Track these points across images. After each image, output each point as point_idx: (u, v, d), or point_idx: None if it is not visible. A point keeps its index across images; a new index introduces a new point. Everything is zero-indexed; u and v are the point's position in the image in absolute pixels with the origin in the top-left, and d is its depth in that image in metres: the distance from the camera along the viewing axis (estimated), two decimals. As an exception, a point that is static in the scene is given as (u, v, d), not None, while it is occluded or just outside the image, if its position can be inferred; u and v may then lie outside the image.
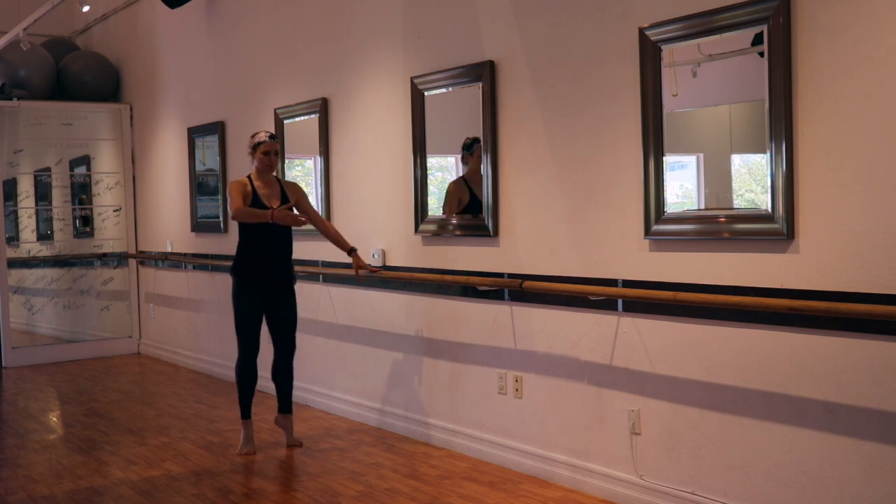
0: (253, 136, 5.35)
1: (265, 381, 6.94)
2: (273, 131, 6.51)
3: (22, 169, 9.19)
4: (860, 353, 3.29)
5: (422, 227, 5.39)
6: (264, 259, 5.24)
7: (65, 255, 9.31)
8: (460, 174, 5.22)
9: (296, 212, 5.32)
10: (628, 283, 4.14)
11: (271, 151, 5.28)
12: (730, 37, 3.64)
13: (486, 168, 4.88)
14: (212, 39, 7.79)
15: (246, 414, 5.37)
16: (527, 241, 4.71)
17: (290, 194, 5.36)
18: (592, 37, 4.28)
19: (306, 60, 6.47)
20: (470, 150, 5.04)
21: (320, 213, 6.26)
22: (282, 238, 5.25)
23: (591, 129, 4.30)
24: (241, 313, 5.28)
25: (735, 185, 3.79)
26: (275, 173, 5.44)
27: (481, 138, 4.91)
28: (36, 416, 6.61)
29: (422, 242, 5.43)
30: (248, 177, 5.31)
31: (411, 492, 4.53)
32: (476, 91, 4.92)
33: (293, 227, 5.26)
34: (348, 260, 5.41)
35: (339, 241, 5.41)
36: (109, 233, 9.40)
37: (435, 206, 5.35)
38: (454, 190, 5.22)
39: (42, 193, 9.34)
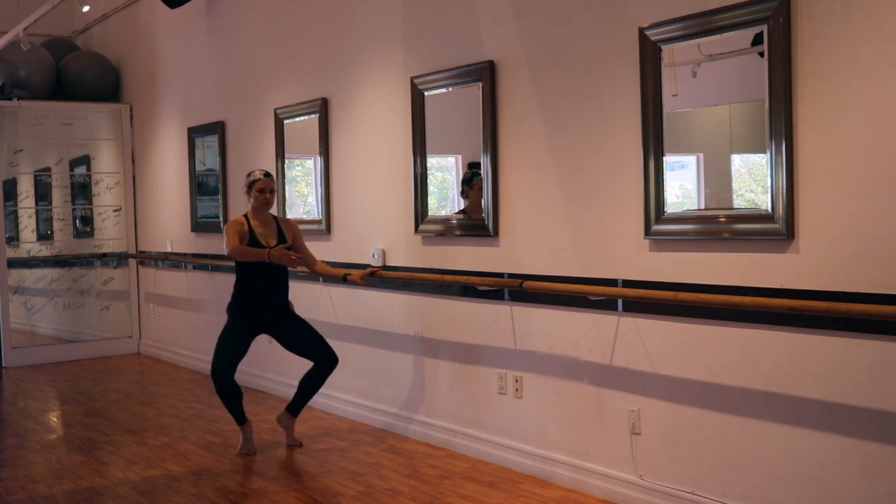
0: (248, 175, 5.34)
1: (264, 381, 6.92)
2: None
3: (22, 169, 9.19)
4: (860, 353, 3.29)
5: (422, 227, 5.39)
6: (264, 294, 5.25)
7: (65, 255, 9.31)
8: (460, 208, 5.20)
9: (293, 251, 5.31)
10: (628, 283, 4.14)
11: (266, 189, 5.28)
12: (730, 37, 3.65)
13: (486, 168, 4.88)
14: (212, 39, 7.79)
15: (241, 421, 5.36)
16: (527, 241, 4.71)
17: (287, 232, 5.36)
18: (592, 37, 4.28)
19: (306, 60, 6.47)
20: (469, 184, 5.04)
21: (320, 214, 6.28)
22: (278, 275, 5.27)
23: (592, 128, 4.30)
24: (224, 344, 5.24)
25: (735, 185, 3.79)
26: (272, 210, 5.43)
27: (481, 137, 4.90)
28: (36, 416, 6.61)
29: (422, 242, 5.43)
30: (245, 216, 5.31)
31: (411, 492, 4.53)
32: (476, 91, 4.92)
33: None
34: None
35: (330, 274, 5.46)
36: (109, 233, 9.40)
37: (435, 206, 5.35)
38: None
39: (42, 193, 9.34)
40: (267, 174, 5.32)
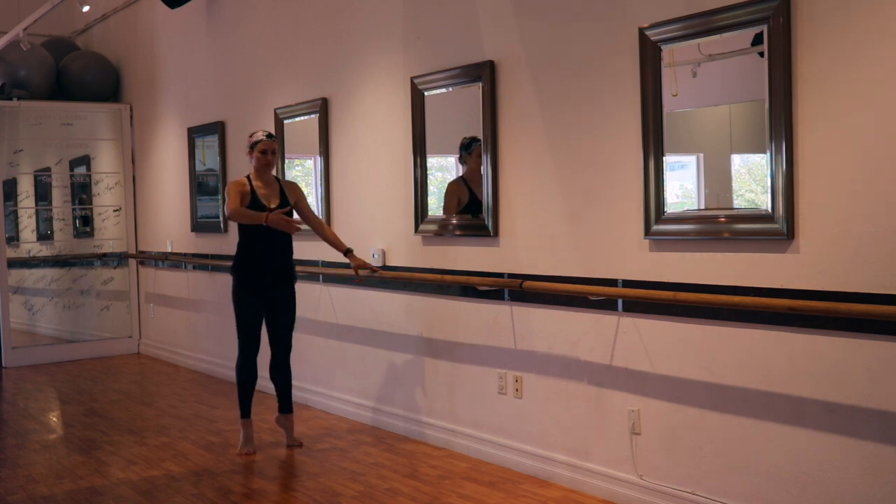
0: (251, 136, 5.35)
1: (264, 381, 6.94)
2: (272, 131, 6.50)
3: (22, 169, 9.19)
4: (860, 353, 3.29)
5: (422, 227, 5.39)
6: (263, 258, 5.24)
7: (65, 255, 9.31)
8: (460, 174, 5.23)
9: (295, 213, 5.33)
10: (628, 283, 4.14)
11: (268, 150, 5.28)
12: (730, 37, 3.65)
13: (486, 168, 4.88)
14: (212, 39, 7.79)
15: (246, 413, 5.37)
16: (527, 241, 4.71)
17: (289, 194, 5.36)
18: (592, 37, 4.28)
19: (306, 60, 6.47)
20: (468, 150, 5.04)
21: (320, 213, 6.27)
22: (281, 238, 5.25)
23: (592, 129, 4.30)
24: (242, 313, 5.28)
25: (735, 185, 3.79)
26: (274, 172, 5.44)
27: (481, 138, 4.91)
28: (36, 416, 6.61)
29: (422, 242, 5.43)
30: (248, 177, 5.31)
31: (411, 492, 4.53)
32: (476, 91, 4.92)
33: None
34: (348, 260, 5.41)
35: (335, 243, 5.42)
36: (109, 233, 9.40)
37: (435, 206, 5.35)
38: (453, 189, 5.22)
39: (42, 193, 9.34)
40: (269, 135, 5.32)
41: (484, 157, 4.89)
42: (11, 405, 7.05)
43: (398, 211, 5.60)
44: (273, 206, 5.22)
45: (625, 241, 4.15)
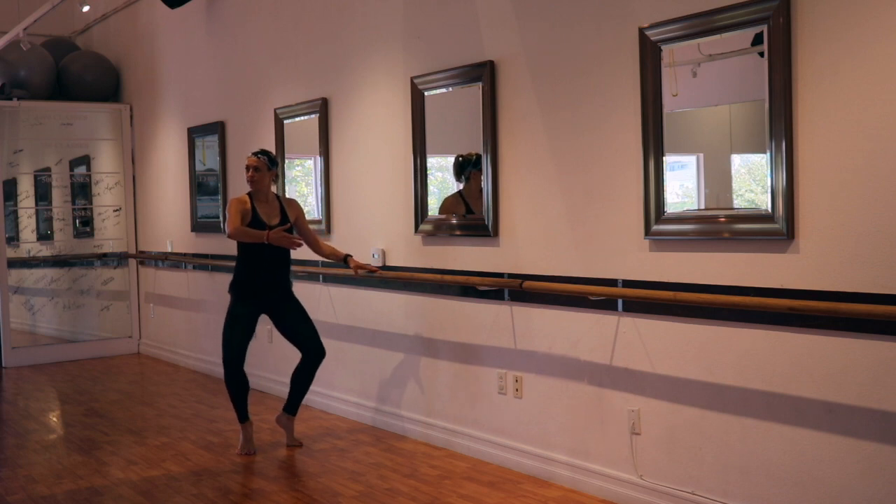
0: None
1: (264, 381, 6.93)
2: (272, 135, 6.50)
3: (22, 169, 9.19)
4: (860, 353, 3.29)
5: (422, 227, 5.39)
6: (263, 274, 5.26)
7: (65, 255, 9.31)
8: (458, 189, 5.21)
9: (294, 232, 5.34)
10: (628, 283, 4.14)
11: (250, 167, 5.28)
12: (730, 37, 3.65)
13: (486, 168, 4.88)
14: (212, 39, 7.79)
15: (243, 417, 5.37)
16: (527, 241, 4.71)
17: (289, 212, 5.36)
18: (592, 37, 4.28)
19: (306, 60, 6.47)
20: (464, 174, 5.06)
21: (320, 214, 6.28)
22: (280, 255, 5.27)
23: (592, 128, 4.30)
24: (231, 329, 5.27)
25: (735, 185, 3.79)
26: (274, 189, 5.44)
27: (481, 138, 4.90)
28: (36, 416, 6.61)
29: (422, 242, 5.43)
30: (249, 194, 5.31)
31: (411, 492, 4.53)
32: (476, 91, 4.92)
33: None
34: (348, 263, 5.41)
35: (333, 255, 5.46)
36: (109, 233, 9.40)
37: (434, 206, 5.35)
38: (450, 205, 5.23)
39: (42, 193, 9.34)
40: (257, 152, 5.32)
41: (484, 158, 4.89)
42: (11, 405, 7.05)
43: (398, 211, 5.60)
44: (274, 223, 5.23)
45: (625, 240, 4.15)
